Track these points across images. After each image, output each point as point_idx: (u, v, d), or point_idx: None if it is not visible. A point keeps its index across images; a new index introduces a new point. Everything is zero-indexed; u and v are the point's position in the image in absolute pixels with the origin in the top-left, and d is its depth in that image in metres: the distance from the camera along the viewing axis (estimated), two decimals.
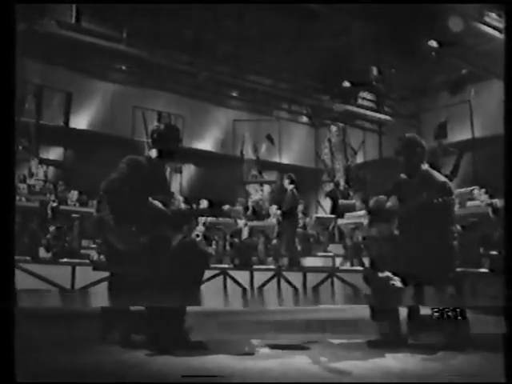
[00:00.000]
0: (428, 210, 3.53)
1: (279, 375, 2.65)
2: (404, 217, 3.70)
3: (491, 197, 9.60)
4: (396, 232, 3.68)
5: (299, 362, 3.01)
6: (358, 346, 3.50)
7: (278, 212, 11.29)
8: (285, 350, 3.43)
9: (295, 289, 8.83)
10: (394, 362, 3.03)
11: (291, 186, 10.66)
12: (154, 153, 3.68)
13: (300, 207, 11.56)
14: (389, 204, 3.86)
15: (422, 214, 3.57)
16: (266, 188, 17.66)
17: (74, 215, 9.57)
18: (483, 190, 9.97)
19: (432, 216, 3.53)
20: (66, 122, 14.16)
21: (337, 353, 3.31)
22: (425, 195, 3.58)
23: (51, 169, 13.55)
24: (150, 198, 3.43)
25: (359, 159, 18.16)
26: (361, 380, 2.61)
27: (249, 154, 17.88)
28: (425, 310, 3.72)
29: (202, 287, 3.64)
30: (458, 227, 7.96)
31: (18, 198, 9.62)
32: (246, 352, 3.29)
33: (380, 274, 3.62)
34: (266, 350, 3.38)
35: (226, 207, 13.20)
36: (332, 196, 18.01)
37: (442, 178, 3.78)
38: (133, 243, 3.28)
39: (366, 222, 9.67)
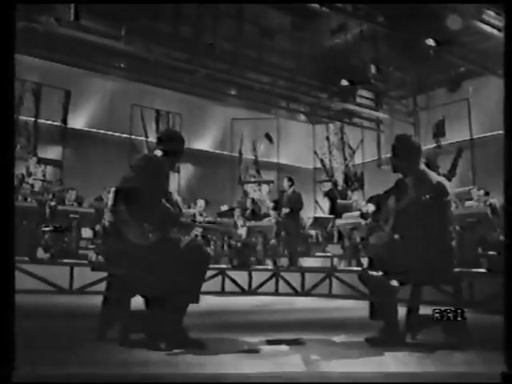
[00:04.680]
0: (418, 209, 3.54)
1: (277, 373, 2.65)
2: (396, 216, 3.71)
3: (488, 196, 9.63)
4: (396, 236, 3.68)
5: (297, 360, 3.01)
6: (357, 345, 3.51)
7: (277, 212, 11.32)
8: (283, 348, 3.43)
9: (294, 289, 8.83)
10: (392, 360, 3.03)
11: (292, 187, 10.75)
12: (159, 152, 3.72)
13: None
14: (388, 203, 3.87)
15: (412, 212, 3.58)
16: (264, 188, 17.65)
17: (72, 215, 9.54)
18: (482, 190, 9.98)
19: (424, 215, 3.53)
20: (65, 120, 14.15)
21: (335, 351, 3.31)
22: (414, 194, 3.60)
23: (49, 168, 13.55)
24: (163, 200, 3.48)
25: (358, 158, 18.14)
26: (359, 379, 2.61)
27: (247, 152, 17.89)
28: (424, 310, 3.72)
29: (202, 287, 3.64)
30: (457, 227, 7.98)
31: (20, 197, 9.61)
32: (244, 350, 3.30)
33: (374, 274, 3.63)
34: (264, 349, 3.38)
35: (224, 207, 13.26)
36: (330, 196, 18.01)
37: (438, 178, 3.77)
38: (144, 238, 3.32)
39: (363, 222, 9.67)
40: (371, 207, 4.05)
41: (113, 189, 3.58)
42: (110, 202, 3.56)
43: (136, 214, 3.35)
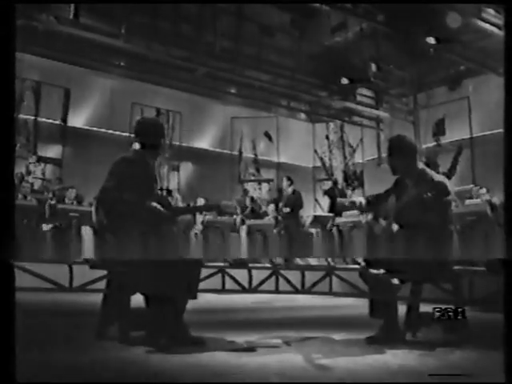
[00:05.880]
0: (418, 208, 3.54)
1: (277, 371, 2.65)
2: (396, 215, 3.72)
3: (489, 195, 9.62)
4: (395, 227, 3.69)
5: (297, 358, 3.01)
6: (357, 343, 3.51)
7: (276, 211, 11.33)
8: (283, 346, 3.43)
9: (294, 287, 8.83)
10: (392, 358, 3.04)
11: (292, 187, 10.74)
12: (137, 146, 3.67)
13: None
14: (388, 202, 3.87)
15: (413, 211, 3.58)
16: (264, 186, 17.65)
17: (71, 214, 9.52)
18: (484, 188, 9.98)
19: (425, 214, 3.54)
20: (64, 118, 14.14)
21: (335, 349, 3.31)
22: (414, 192, 3.60)
23: (49, 167, 13.55)
24: (147, 201, 3.43)
25: (357, 156, 18.12)
26: (359, 377, 2.61)
27: (247, 151, 17.88)
28: (424, 307, 3.73)
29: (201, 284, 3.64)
30: (458, 227, 7.98)
31: (20, 196, 9.60)
32: (244, 348, 3.30)
33: (375, 271, 3.63)
34: (264, 347, 3.38)
35: (223, 203, 13.26)
36: (330, 194, 18.00)
37: (438, 178, 3.77)
38: (132, 245, 3.29)
39: (365, 219, 9.67)
40: (362, 199, 4.06)
41: (94, 201, 3.51)
42: (93, 216, 3.49)
43: (120, 224, 3.31)
